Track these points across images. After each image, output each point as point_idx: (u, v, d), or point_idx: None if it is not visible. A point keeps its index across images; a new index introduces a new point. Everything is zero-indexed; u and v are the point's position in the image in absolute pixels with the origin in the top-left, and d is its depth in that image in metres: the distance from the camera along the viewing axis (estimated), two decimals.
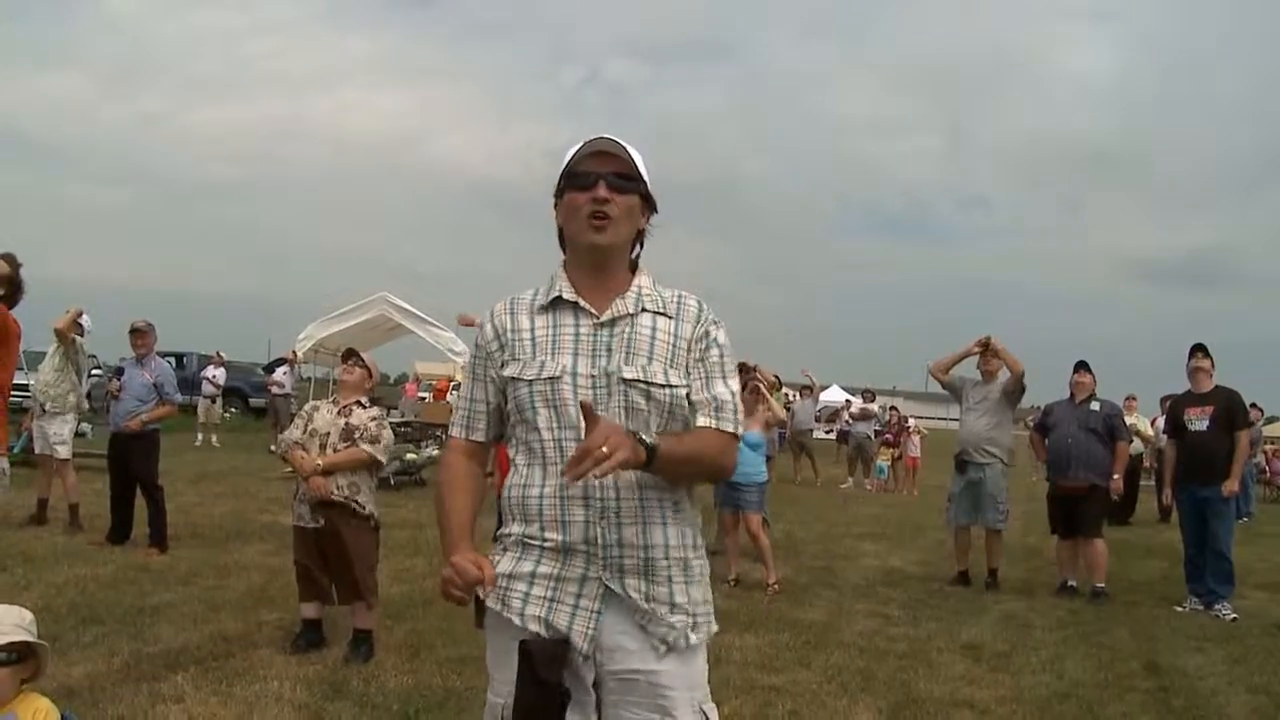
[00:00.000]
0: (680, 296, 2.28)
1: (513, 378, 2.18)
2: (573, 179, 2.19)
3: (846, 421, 22.32)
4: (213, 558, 7.90)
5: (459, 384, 20.10)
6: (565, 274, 2.26)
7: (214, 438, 20.08)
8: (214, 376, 21.06)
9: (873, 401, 21.61)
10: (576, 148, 2.21)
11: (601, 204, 2.15)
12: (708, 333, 2.24)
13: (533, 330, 2.21)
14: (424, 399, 23.45)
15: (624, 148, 2.20)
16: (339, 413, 5.55)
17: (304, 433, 5.53)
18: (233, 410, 25.81)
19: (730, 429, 2.22)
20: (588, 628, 2.09)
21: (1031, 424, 9.39)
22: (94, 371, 19.21)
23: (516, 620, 2.11)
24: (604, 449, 1.85)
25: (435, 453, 15.98)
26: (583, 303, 2.20)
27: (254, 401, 27.09)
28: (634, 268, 2.29)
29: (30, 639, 2.60)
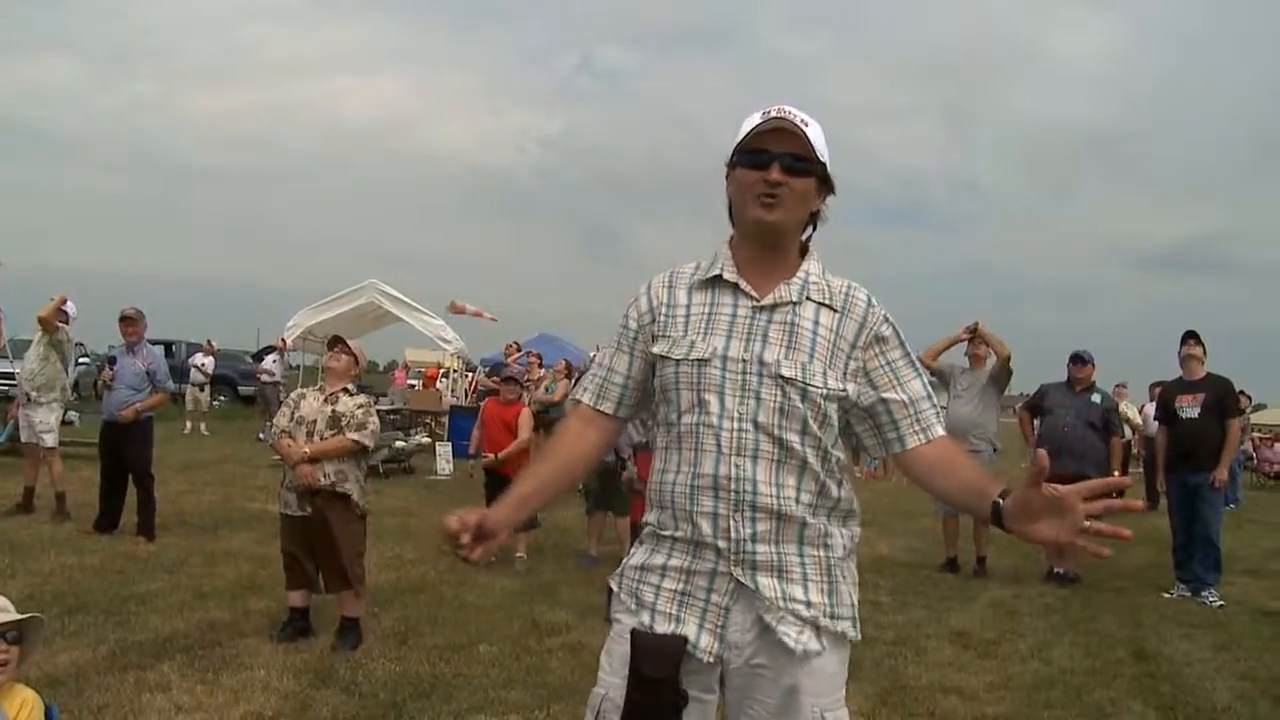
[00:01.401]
0: (849, 289, 2.13)
1: (661, 355, 2.10)
2: (746, 155, 2.05)
3: None
4: (200, 546, 7.87)
5: (448, 371, 20.24)
6: (730, 251, 2.14)
7: (203, 426, 20.01)
8: (203, 365, 20.98)
9: None
10: (755, 118, 2.07)
11: (774, 187, 2.02)
12: (880, 335, 2.11)
13: (689, 307, 2.11)
14: (413, 386, 23.37)
15: (803, 124, 2.04)
16: (326, 400, 5.53)
17: (291, 420, 5.50)
18: (222, 398, 25.70)
19: (941, 431, 2.12)
20: (716, 625, 2.01)
21: (1022, 405, 9.32)
22: (81, 359, 19.16)
23: (645, 617, 2.05)
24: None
25: (425, 440, 15.98)
26: (743, 284, 2.09)
27: (243, 389, 26.99)
28: (804, 251, 2.16)
29: (15, 616, 2.59)
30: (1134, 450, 15.23)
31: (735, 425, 1.98)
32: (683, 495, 2.02)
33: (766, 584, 1.99)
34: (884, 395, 2.08)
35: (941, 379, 8.99)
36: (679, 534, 2.04)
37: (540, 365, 14.30)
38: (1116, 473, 8.52)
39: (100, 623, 5.50)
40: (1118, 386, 13.85)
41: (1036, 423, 8.85)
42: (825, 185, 2.10)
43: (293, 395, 5.82)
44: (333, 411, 5.46)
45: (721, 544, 1.99)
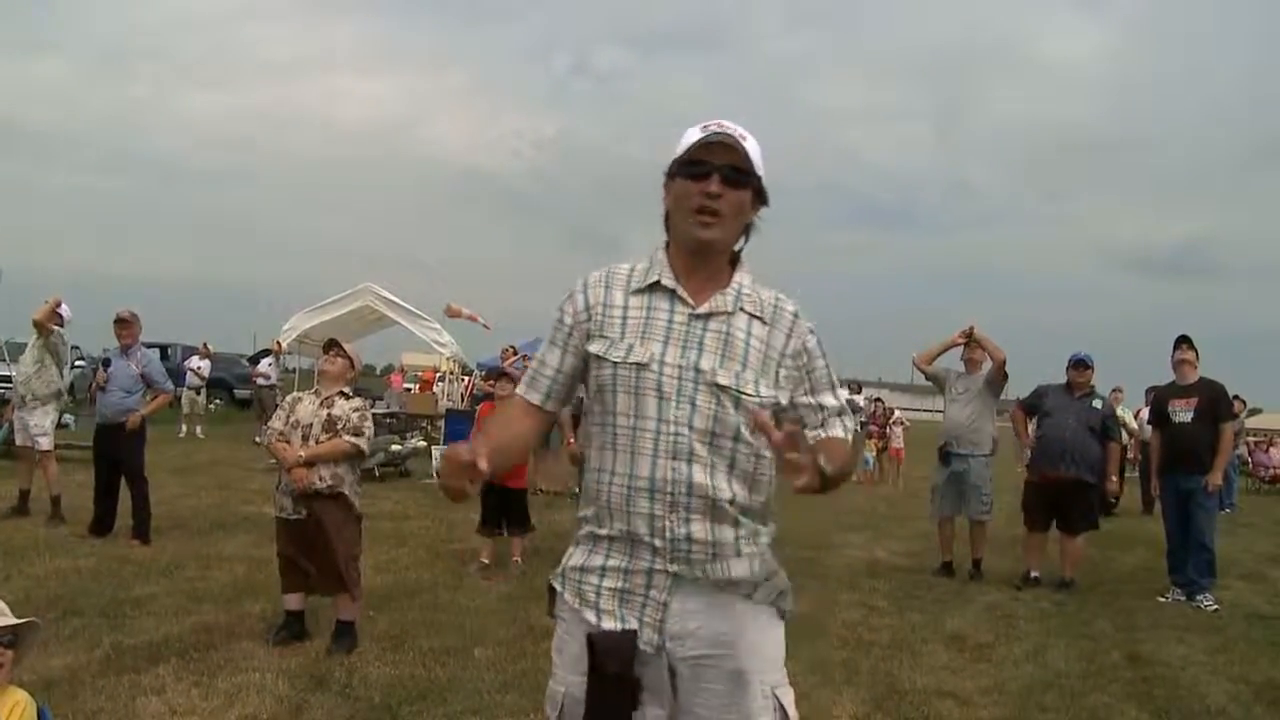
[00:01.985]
0: (778, 300, 2.22)
1: (598, 355, 2.15)
2: (687, 166, 2.13)
3: None
4: (196, 549, 7.86)
5: (444, 374, 20.18)
6: (666, 258, 2.21)
7: (198, 429, 20.01)
8: (199, 368, 20.97)
9: (859, 393, 21.65)
10: (695, 132, 2.14)
11: (713, 199, 2.09)
12: (805, 347, 2.21)
13: (625, 309, 2.17)
14: (409, 390, 23.37)
15: (743, 139, 2.12)
16: (321, 403, 5.52)
17: (286, 424, 5.50)
18: (217, 401, 25.69)
19: (839, 433, 2.22)
20: (655, 619, 2.08)
21: (1017, 404, 9.30)
22: (77, 362, 19.13)
23: (590, 615, 2.12)
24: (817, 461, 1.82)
25: (420, 444, 15.96)
26: (680, 291, 2.16)
27: (239, 393, 26.98)
28: (735, 261, 2.24)
29: (12, 621, 2.59)
30: (1130, 455, 15.24)
31: (672, 430, 2.06)
32: (619, 496, 2.09)
33: (701, 575, 2.09)
34: (797, 400, 2.19)
35: (937, 383, 9.01)
36: (615, 533, 2.11)
37: None
38: (1114, 478, 8.52)
39: (95, 626, 5.50)
40: (1114, 391, 13.87)
41: (1032, 424, 8.85)
42: (760, 197, 2.19)
43: (288, 399, 5.82)
44: (328, 415, 5.45)
45: (658, 543, 2.07)
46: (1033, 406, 8.76)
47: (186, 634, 5.47)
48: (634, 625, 2.08)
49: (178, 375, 21.97)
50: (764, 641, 2.15)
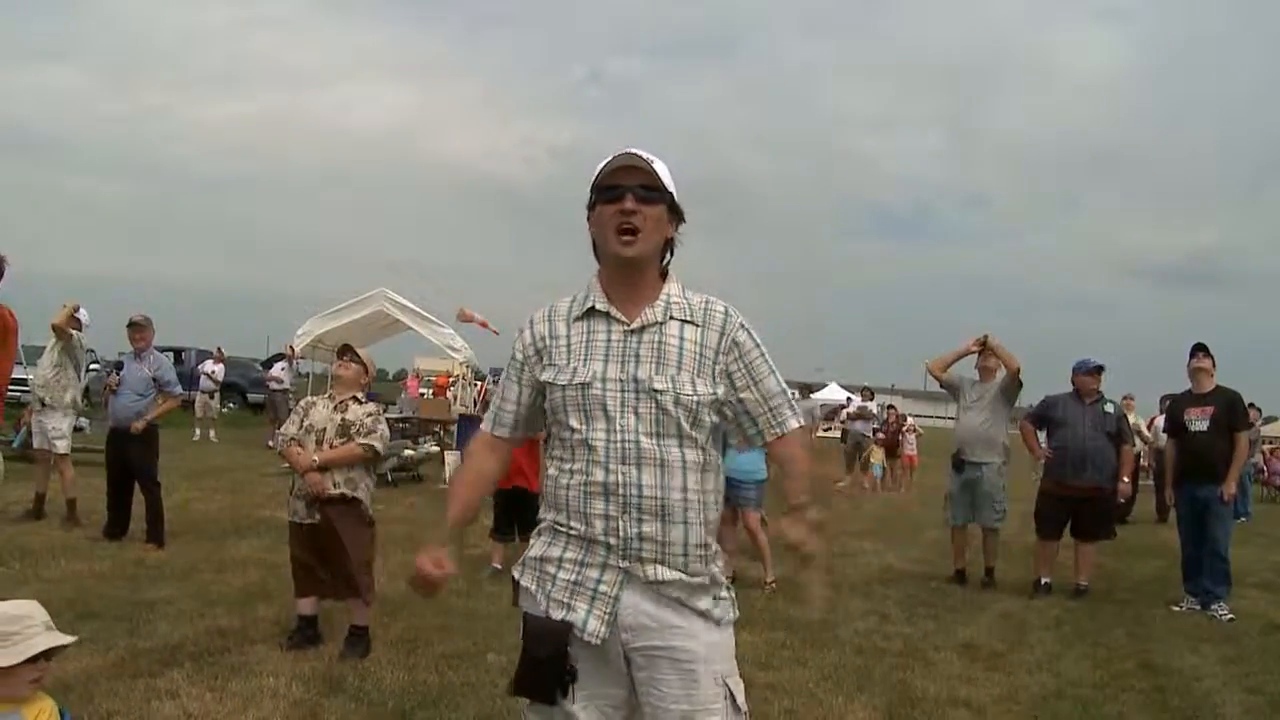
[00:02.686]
0: (708, 303, 2.40)
1: (549, 382, 2.36)
2: (602, 192, 2.32)
3: (844, 420, 22.31)
4: (209, 553, 7.89)
5: (457, 379, 20.21)
6: (599, 284, 2.39)
7: (211, 433, 20.10)
8: (213, 372, 21.06)
9: (871, 400, 21.61)
10: (604, 162, 2.33)
11: (629, 215, 2.27)
12: (736, 341, 2.36)
13: (568, 337, 2.37)
14: (424, 395, 23.40)
15: (649, 161, 2.31)
16: (335, 408, 5.54)
17: (300, 428, 5.52)
18: (230, 405, 25.79)
19: (795, 424, 2.41)
20: (605, 611, 2.24)
21: (1025, 416, 9.27)
22: (92, 366, 19.21)
23: (541, 600, 2.30)
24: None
25: (434, 449, 16.00)
26: (614, 311, 2.34)
27: (252, 397, 27.10)
28: (664, 275, 2.41)
29: (65, 640, 2.60)
30: (1144, 463, 15.18)
31: (620, 438, 2.25)
32: (576, 499, 2.27)
33: (651, 572, 2.24)
34: (741, 395, 2.36)
35: (951, 390, 8.99)
36: (573, 531, 2.28)
37: None
38: (1125, 480, 8.48)
39: (110, 629, 5.52)
40: (1125, 398, 13.79)
41: (1041, 435, 8.82)
42: (675, 213, 2.37)
43: (302, 403, 5.84)
44: (342, 420, 5.47)
45: (612, 541, 2.24)
46: (1042, 418, 8.72)
47: (200, 638, 5.49)
48: (580, 616, 2.23)
49: (191, 379, 22.13)
50: (712, 636, 2.30)
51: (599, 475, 2.25)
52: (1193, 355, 8.13)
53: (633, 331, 2.31)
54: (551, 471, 2.37)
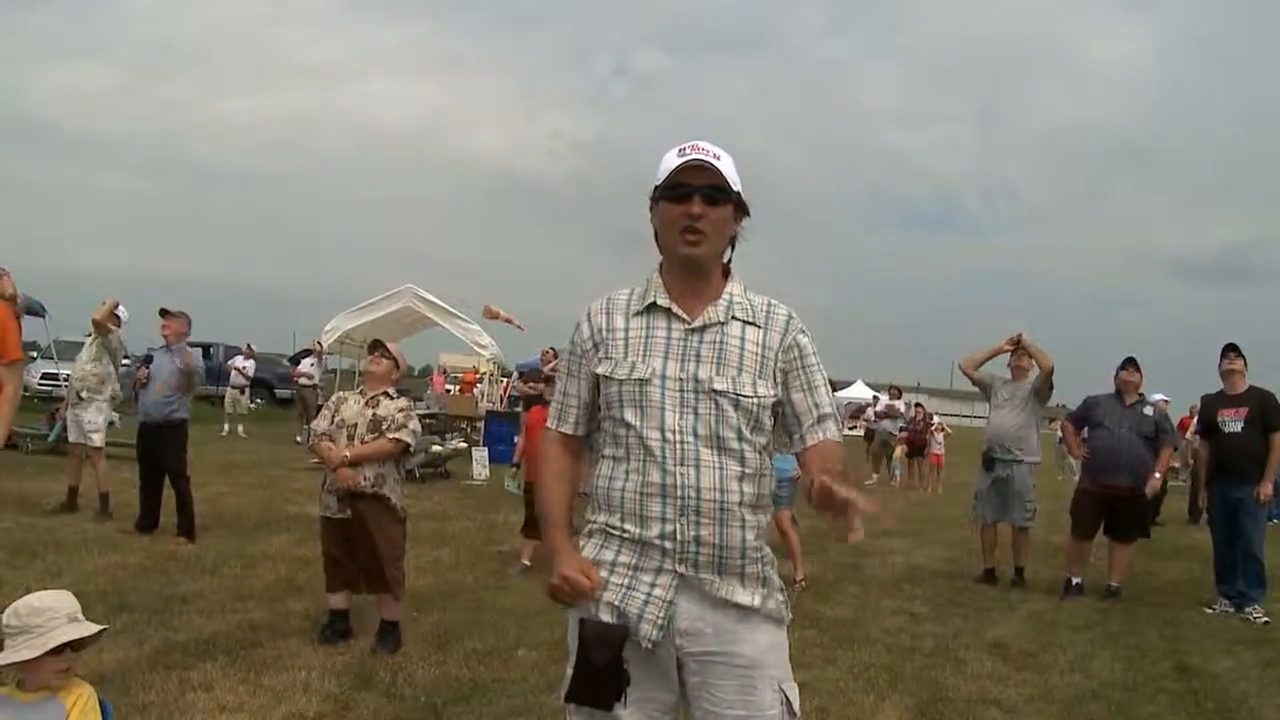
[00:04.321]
0: (770, 305, 2.38)
1: (605, 376, 2.32)
2: (669, 190, 2.29)
3: (870, 419, 22.23)
4: (240, 548, 7.95)
5: (484, 376, 20.24)
6: (660, 278, 2.37)
7: (240, 428, 20.22)
8: (244, 368, 21.18)
9: (899, 398, 21.51)
10: (674, 157, 2.30)
11: (695, 219, 2.25)
12: (797, 342, 2.35)
13: (626, 331, 2.34)
14: (450, 391, 23.48)
15: (718, 158, 2.29)
16: (366, 403, 5.56)
17: (331, 424, 5.54)
18: (258, 401, 25.95)
19: (837, 438, 2.36)
20: (659, 616, 2.20)
21: (1066, 416, 9.18)
22: (123, 361, 19.37)
23: (592, 605, 2.24)
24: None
25: (461, 445, 16.04)
26: (675, 308, 2.31)
27: (279, 392, 27.25)
28: (727, 273, 2.39)
29: (90, 631, 2.62)
30: (1177, 464, 15.04)
31: (678, 438, 2.21)
32: (632, 500, 2.23)
33: (707, 578, 2.22)
34: (793, 396, 2.33)
35: (983, 389, 8.94)
36: (627, 534, 2.25)
37: None
38: (1156, 476, 8.35)
39: (144, 622, 5.57)
40: (1162, 400, 13.66)
41: (1083, 434, 8.77)
42: (740, 209, 2.35)
43: (333, 399, 5.86)
44: (373, 415, 5.49)
45: (668, 545, 2.21)
46: (1083, 418, 8.66)
47: (233, 631, 5.53)
48: (634, 620, 2.20)
49: (220, 375, 22.29)
50: (769, 641, 2.29)
51: (656, 476, 2.21)
52: (1224, 356, 8.04)
53: (694, 330, 2.29)
54: (604, 470, 2.32)
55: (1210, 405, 8.20)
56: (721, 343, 2.28)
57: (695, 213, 2.25)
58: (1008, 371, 8.88)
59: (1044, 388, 8.55)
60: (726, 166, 2.29)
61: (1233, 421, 7.83)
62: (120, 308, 9.30)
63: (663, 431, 2.22)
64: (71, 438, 9.44)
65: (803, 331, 2.37)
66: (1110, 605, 7.81)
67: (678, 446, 2.21)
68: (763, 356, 2.30)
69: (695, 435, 2.21)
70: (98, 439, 9.20)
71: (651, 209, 2.37)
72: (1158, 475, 8.28)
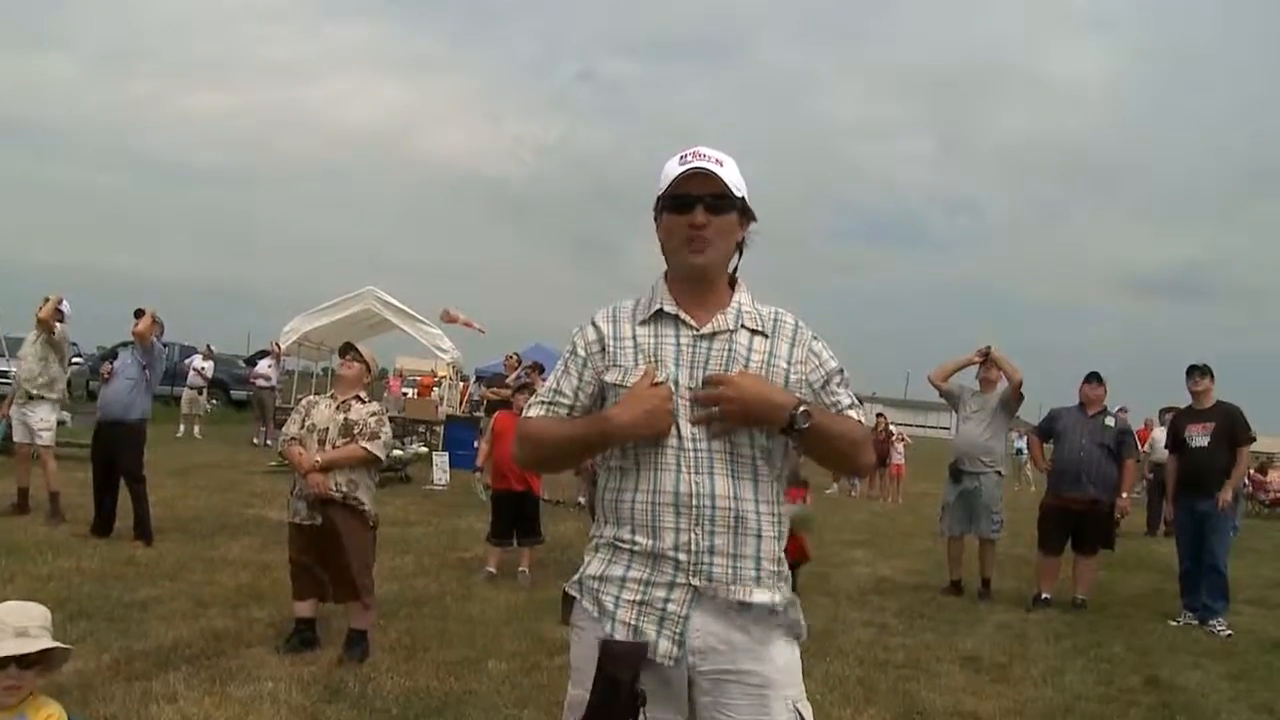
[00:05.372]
0: (777, 314, 2.33)
1: (615, 384, 2.24)
2: (671, 202, 2.23)
3: None
4: (200, 552, 7.77)
5: (443, 380, 20.06)
6: (666, 286, 2.31)
7: (196, 429, 19.88)
8: (203, 368, 20.82)
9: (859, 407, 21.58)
10: (674, 166, 2.23)
11: (699, 229, 2.20)
12: (813, 351, 2.31)
13: (635, 339, 2.27)
14: (407, 395, 23.28)
15: (720, 165, 2.22)
16: (338, 408, 5.44)
17: (301, 428, 5.42)
18: (214, 402, 25.56)
19: (863, 420, 2.33)
20: (675, 632, 2.13)
21: (1030, 430, 9.24)
22: (74, 359, 19.02)
23: (606, 624, 2.17)
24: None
25: (421, 449, 15.87)
26: (684, 315, 2.25)
27: (235, 394, 26.85)
28: (734, 282, 2.34)
29: (54, 644, 2.50)
30: (1141, 475, 15.19)
31: (692, 445, 2.15)
32: (643, 512, 2.17)
33: (723, 591, 2.14)
34: (826, 402, 2.28)
35: (951, 400, 8.96)
36: (638, 547, 2.17)
37: (541, 377, 14.21)
38: (1124, 495, 8.42)
39: (102, 630, 5.41)
40: (1120, 410, 13.79)
41: (1048, 447, 8.80)
42: (745, 215, 2.29)
43: (304, 402, 5.73)
44: (345, 419, 5.37)
45: (682, 557, 2.13)
46: (1047, 430, 8.71)
47: (196, 639, 5.38)
48: (651, 637, 2.13)
49: (174, 375, 21.91)
50: (784, 659, 2.20)
51: (670, 484, 2.15)
52: (1191, 377, 8.09)
53: (703, 337, 2.23)
54: (611, 483, 2.25)
55: (1178, 421, 8.27)
56: (731, 350, 2.22)
57: (698, 223, 2.20)
58: (976, 383, 8.91)
59: (1014, 400, 8.58)
60: (729, 172, 2.23)
61: (1200, 436, 7.90)
62: (64, 303, 9.09)
63: (677, 439, 2.15)
64: (17, 437, 9.19)
65: (815, 338, 2.33)
66: (1077, 617, 7.85)
67: (692, 454, 2.15)
68: (772, 364, 2.23)
69: (708, 443, 2.16)
70: (47, 437, 8.98)
71: (656, 220, 2.31)
72: (1124, 495, 8.32)
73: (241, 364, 28.00)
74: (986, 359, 8.67)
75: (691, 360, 2.21)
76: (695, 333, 2.23)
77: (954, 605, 8.15)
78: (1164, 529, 14.00)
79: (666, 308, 2.26)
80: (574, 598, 2.28)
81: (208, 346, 22.59)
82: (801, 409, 2.13)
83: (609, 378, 2.26)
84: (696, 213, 2.19)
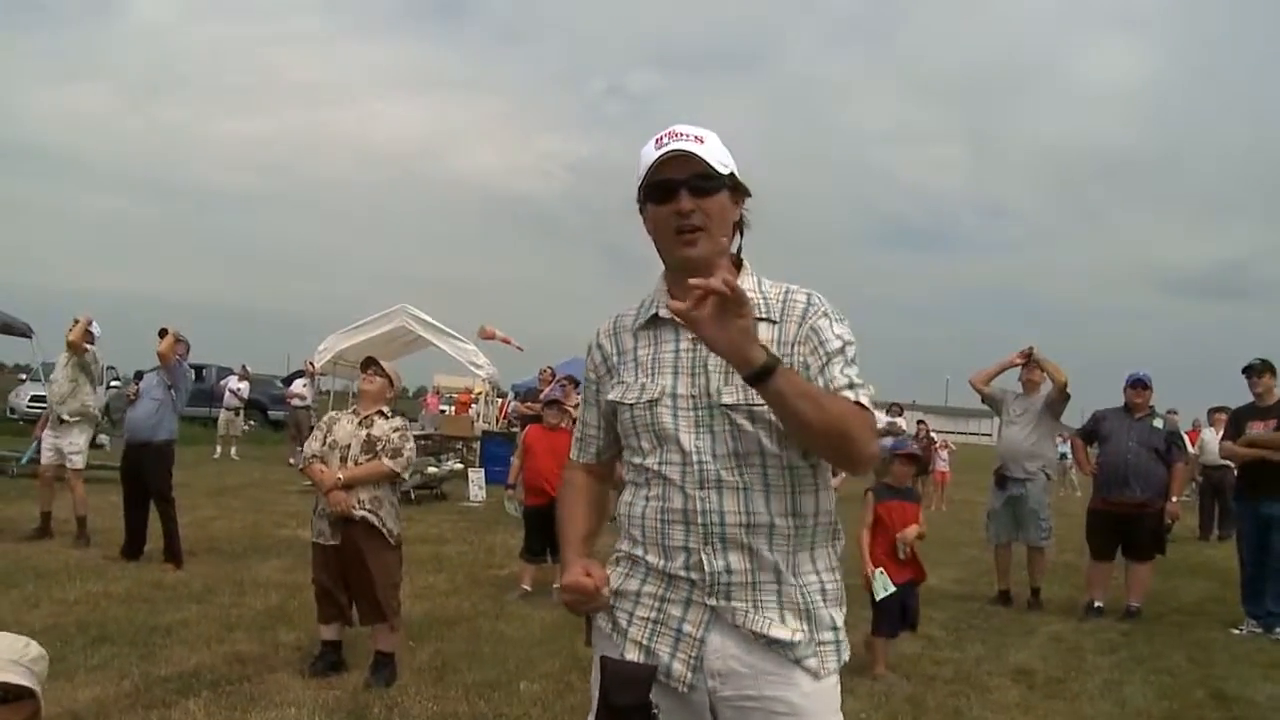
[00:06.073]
0: (788, 293, 2.08)
1: (617, 401, 2.10)
2: (652, 191, 2.03)
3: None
4: (230, 574, 7.64)
5: (480, 396, 20.03)
6: (665, 286, 2.11)
7: (233, 450, 19.89)
8: (238, 389, 20.83)
9: (900, 415, 21.26)
10: (651, 150, 2.02)
11: (686, 216, 1.99)
12: (814, 329, 2.03)
13: (635, 350, 2.12)
14: (445, 412, 23.24)
15: (700, 143, 1.99)
16: (360, 423, 5.29)
17: (323, 445, 5.26)
18: (251, 423, 25.60)
19: (863, 401, 1.98)
20: (690, 655, 1.97)
21: (1073, 433, 8.94)
22: (112, 383, 19.08)
23: (618, 640, 2.04)
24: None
25: (457, 466, 15.75)
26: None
27: (273, 414, 26.91)
28: (738, 265, 2.11)
29: (23, 682, 2.32)
30: (1191, 478, 14.80)
31: (696, 460, 1.97)
32: (653, 527, 2.01)
33: (741, 611, 1.96)
34: (820, 382, 2.00)
35: (993, 405, 8.69)
36: (651, 564, 2.02)
37: (576, 390, 14.06)
38: (1174, 499, 8.10)
39: (125, 655, 5.28)
40: (1169, 412, 13.43)
41: (1092, 450, 8.50)
42: (738, 191, 2.07)
43: (325, 419, 5.58)
44: (367, 435, 5.21)
45: (695, 576, 1.97)
46: (1091, 433, 8.41)
47: (219, 664, 5.24)
48: (664, 659, 1.98)
49: (212, 396, 21.96)
50: (815, 685, 1.98)
51: (677, 501, 1.98)
52: (1250, 377, 7.74)
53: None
54: (625, 496, 2.10)
55: (1240, 418, 7.94)
56: None
57: (685, 209, 1.98)
58: (1019, 386, 8.64)
59: (1058, 401, 8.30)
60: (711, 148, 2.00)
61: (1264, 434, 7.55)
62: (94, 325, 9.03)
63: (681, 454, 1.98)
64: (45, 460, 9.13)
65: (825, 315, 2.04)
66: (1132, 626, 7.53)
67: (696, 469, 1.97)
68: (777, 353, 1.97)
69: (714, 455, 1.97)
70: (78, 460, 8.90)
71: (641, 212, 2.09)
72: (1174, 499, 8.00)
73: (278, 384, 28.06)
74: (1029, 360, 8.40)
75: (691, 367, 2.02)
76: (693, 335, 1.99)
77: (1003, 616, 7.88)
78: (1201, 533, 13.68)
79: (662, 312, 2.06)
80: (592, 617, 2.14)
81: (243, 367, 22.58)
82: (763, 363, 1.80)
83: (612, 395, 2.12)
84: (681, 199, 1.98)
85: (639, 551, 2.04)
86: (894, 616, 5.86)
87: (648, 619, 2.01)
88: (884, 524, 6.03)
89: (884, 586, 5.78)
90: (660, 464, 2.00)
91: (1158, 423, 8.04)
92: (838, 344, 2.03)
